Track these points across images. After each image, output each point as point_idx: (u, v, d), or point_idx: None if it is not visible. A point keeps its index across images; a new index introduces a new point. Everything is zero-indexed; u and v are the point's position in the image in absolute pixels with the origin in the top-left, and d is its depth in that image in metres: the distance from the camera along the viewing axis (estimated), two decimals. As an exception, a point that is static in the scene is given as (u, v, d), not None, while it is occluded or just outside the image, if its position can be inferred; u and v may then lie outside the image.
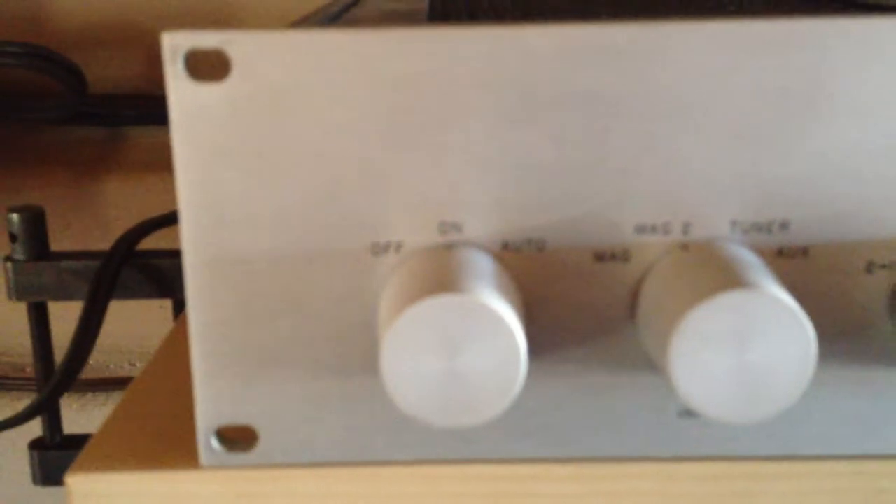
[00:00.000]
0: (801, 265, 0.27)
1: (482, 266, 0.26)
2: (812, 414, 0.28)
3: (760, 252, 0.27)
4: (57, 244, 0.51)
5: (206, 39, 0.26)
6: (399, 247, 0.27)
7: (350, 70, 0.26)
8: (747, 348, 0.24)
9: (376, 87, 0.26)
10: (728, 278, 0.24)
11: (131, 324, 0.71)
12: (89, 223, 0.72)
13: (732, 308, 0.24)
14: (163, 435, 0.31)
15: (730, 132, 0.26)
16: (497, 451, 0.29)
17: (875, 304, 0.27)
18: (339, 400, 0.28)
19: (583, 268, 0.27)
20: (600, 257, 0.27)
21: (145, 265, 0.46)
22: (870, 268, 0.27)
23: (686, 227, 0.27)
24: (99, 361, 0.75)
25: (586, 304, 0.28)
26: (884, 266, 0.27)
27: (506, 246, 0.27)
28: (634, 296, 0.27)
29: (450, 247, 0.27)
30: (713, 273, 0.25)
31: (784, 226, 0.27)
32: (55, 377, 0.40)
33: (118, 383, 0.71)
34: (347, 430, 0.28)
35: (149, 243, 0.49)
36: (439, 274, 0.25)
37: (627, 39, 0.26)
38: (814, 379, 0.27)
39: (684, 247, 0.27)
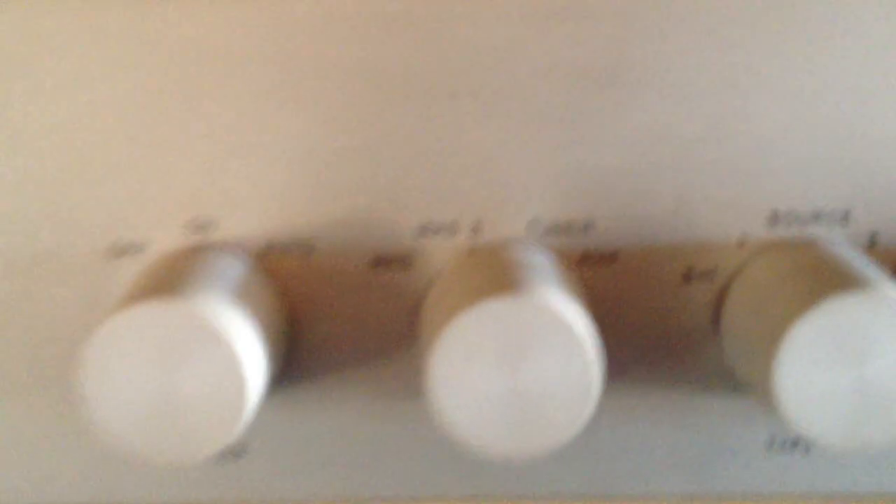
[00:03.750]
0: (609, 272, 0.23)
1: (222, 271, 0.22)
2: (630, 450, 0.24)
3: (564, 257, 0.23)
4: None
5: None
6: (142, 248, 0.23)
7: (83, 47, 0.22)
8: (518, 367, 0.20)
9: (113, 66, 0.22)
10: (498, 284, 0.20)
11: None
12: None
13: (498, 318, 0.20)
14: None
15: (526, 116, 0.22)
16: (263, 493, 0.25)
17: (695, 319, 0.23)
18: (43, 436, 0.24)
19: (358, 275, 0.23)
20: (378, 263, 0.23)
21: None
22: (688, 275, 0.23)
23: (476, 228, 0.23)
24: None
25: (363, 317, 0.24)
26: (704, 274, 0.23)
27: (270, 247, 0.23)
28: (417, 308, 0.23)
29: (197, 249, 0.23)
30: (485, 279, 0.21)
31: (589, 226, 0.23)
32: None
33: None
34: (42, 471, 0.24)
35: None
36: (170, 282, 0.21)
37: (403, 8, 0.22)
38: (627, 407, 0.23)
39: (472, 251, 0.23)
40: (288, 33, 0.22)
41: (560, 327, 0.20)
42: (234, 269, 0.22)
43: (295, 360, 0.24)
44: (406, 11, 0.22)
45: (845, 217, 0.23)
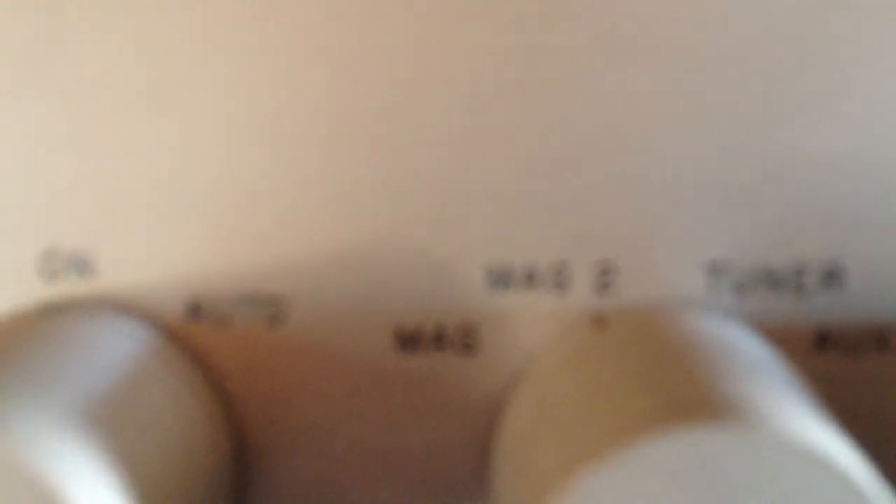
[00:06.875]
0: (879, 371, 0.12)
1: (91, 355, 0.11)
2: None
3: (780, 339, 0.12)
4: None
5: None
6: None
7: None
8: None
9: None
10: (677, 393, 0.09)
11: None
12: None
13: (691, 472, 0.08)
14: None
15: (694, 63, 0.11)
16: None
17: None
18: None
19: (374, 360, 0.12)
20: (410, 342, 0.12)
21: None
22: None
23: (601, 278, 0.12)
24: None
25: (381, 437, 0.12)
26: None
27: (196, 310, 0.12)
28: (486, 429, 0.12)
29: (49, 310, 0.12)
30: (643, 380, 0.10)
31: (833, 276, 0.12)
32: None
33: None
34: None
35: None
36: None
37: None
38: None
39: (599, 320, 0.12)
40: None
41: (827, 474, 0.08)
42: (115, 350, 0.11)
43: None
44: None
45: None
